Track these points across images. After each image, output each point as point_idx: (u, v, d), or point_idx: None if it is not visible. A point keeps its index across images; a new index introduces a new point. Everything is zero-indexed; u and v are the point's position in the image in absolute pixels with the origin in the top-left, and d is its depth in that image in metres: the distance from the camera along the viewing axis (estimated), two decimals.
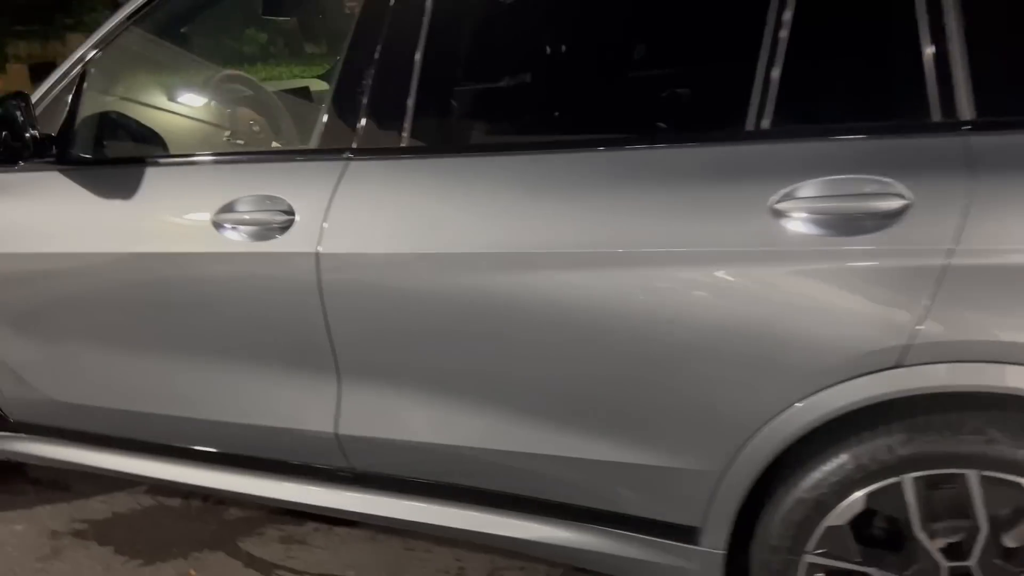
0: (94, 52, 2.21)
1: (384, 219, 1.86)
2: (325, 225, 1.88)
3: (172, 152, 2.25)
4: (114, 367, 2.22)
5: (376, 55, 1.90)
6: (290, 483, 2.13)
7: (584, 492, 1.80)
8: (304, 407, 2.03)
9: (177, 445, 2.24)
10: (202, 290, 2.04)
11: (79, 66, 2.22)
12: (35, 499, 2.86)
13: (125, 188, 2.13)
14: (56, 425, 2.43)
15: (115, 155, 2.23)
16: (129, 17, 2.17)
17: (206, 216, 2.00)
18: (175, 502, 2.81)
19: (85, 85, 2.20)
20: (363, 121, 1.91)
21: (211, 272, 2.02)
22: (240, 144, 2.51)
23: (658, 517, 1.76)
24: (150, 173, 2.12)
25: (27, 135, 2.08)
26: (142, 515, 2.76)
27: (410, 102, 1.86)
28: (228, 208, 1.99)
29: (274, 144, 2.73)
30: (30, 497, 2.87)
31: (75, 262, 2.17)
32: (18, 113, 2.06)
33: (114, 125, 2.23)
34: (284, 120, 2.70)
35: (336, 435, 2.01)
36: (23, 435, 2.49)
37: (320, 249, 1.88)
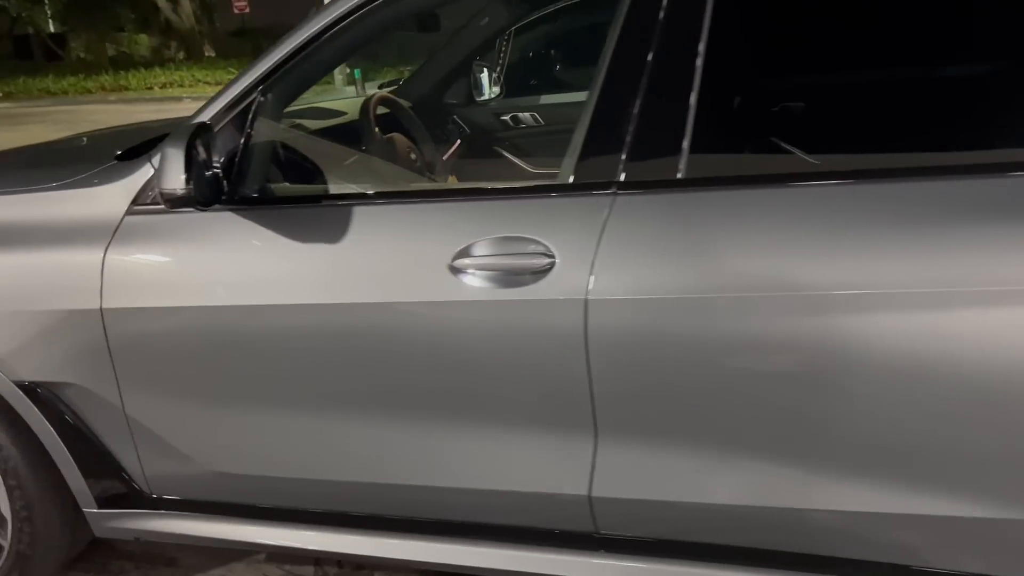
0: (266, 79, 1.94)
1: (663, 260, 1.68)
2: (593, 268, 1.69)
3: (358, 188, 2.00)
4: (312, 432, 1.96)
5: (645, 71, 1.71)
6: (521, 551, 1.92)
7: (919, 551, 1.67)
8: (552, 468, 1.83)
9: (389, 516, 2.00)
10: (433, 343, 1.81)
11: (251, 94, 1.94)
12: None
13: (321, 230, 1.88)
14: (212, 499, 2.14)
15: (301, 193, 1.97)
16: (309, 41, 1.91)
17: (441, 260, 1.78)
18: (307, 570, 2.53)
19: (257, 115, 1.92)
20: (630, 149, 1.72)
21: (447, 323, 1.79)
22: (423, 177, 2.27)
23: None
24: (352, 213, 1.87)
25: (210, 174, 1.80)
26: None
27: (688, 124, 1.68)
28: (468, 251, 1.77)
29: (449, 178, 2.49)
30: None
31: (263, 316, 1.90)
32: (202, 150, 1.78)
33: (296, 158, 1.96)
34: (427, 147, 2.46)
35: (589, 497, 1.81)
36: (163, 512, 2.18)
37: (589, 296, 1.69)
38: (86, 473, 2.15)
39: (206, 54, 26.72)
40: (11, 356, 2.07)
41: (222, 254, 1.93)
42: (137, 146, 2.24)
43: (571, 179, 1.78)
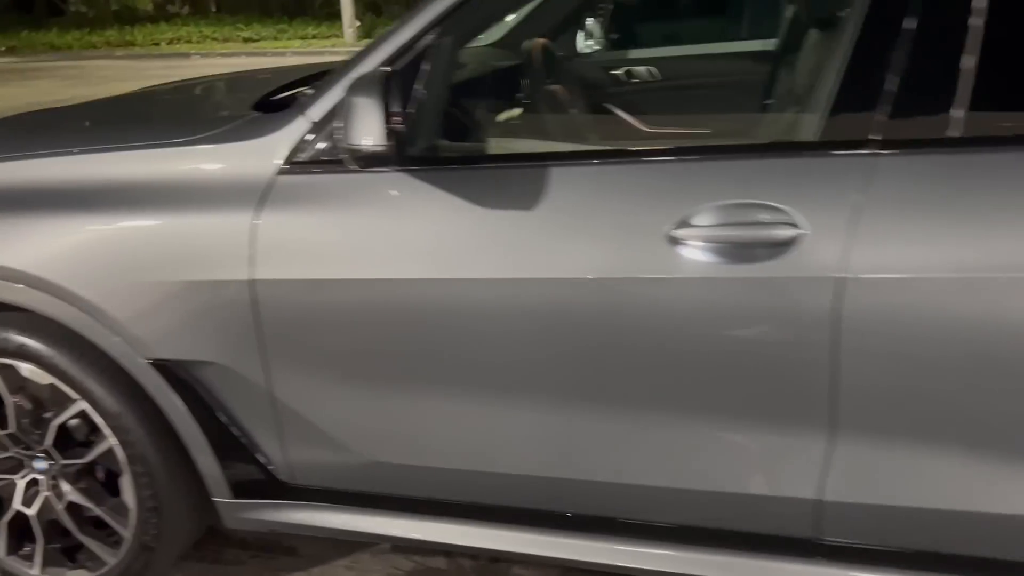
0: (445, 18, 1.69)
1: (934, 232, 1.46)
2: (850, 241, 1.46)
3: (550, 147, 1.76)
4: (488, 422, 1.76)
5: (915, 13, 1.47)
6: (710, 554, 1.73)
7: None
8: (771, 468, 1.63)
9: (550, 512, 1.81)
10: (644, 325, 1.59)
11: (424, 37, 1.70)
12: (261, 569, 2.34)
13: (511, 194, 1.65)
14: (357, 489, 1.94)
15: (485, 152, 1.74)
16: None
17: (657, 230, 1.55)
18: (439, 562, 2.34)
19: (432, 62, 1.68)
20: (894, 103, 1.48)
21: (664, 303, 1.57)
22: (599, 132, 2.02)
23: None
24: (547, 175, 1.64)
25: (406, 129, 1.56)
26: None
27: (967, 74, 1.45)
28: (690, 219, 1.54)
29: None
30: (252, 567, 2.35)
31: (441, 291, 1.68)
32: (397, 101, 1.54)
33: (473, 112, 1.72)
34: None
35: (817, 500, 1.61)
36: (302, 502, 1.98)
37: (844, 273, 1.47)
38: (221, 460, 1.95)
39: (211, 9, 26.11)
40: (145, 333, 1.85)
41: (393, 220, 1.70)
42: (273, 98, 2.00)
43: (817, 136, 1.55)
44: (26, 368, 1.97)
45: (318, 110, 1.76)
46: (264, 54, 21.98)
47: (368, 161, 1.57)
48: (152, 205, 1.84)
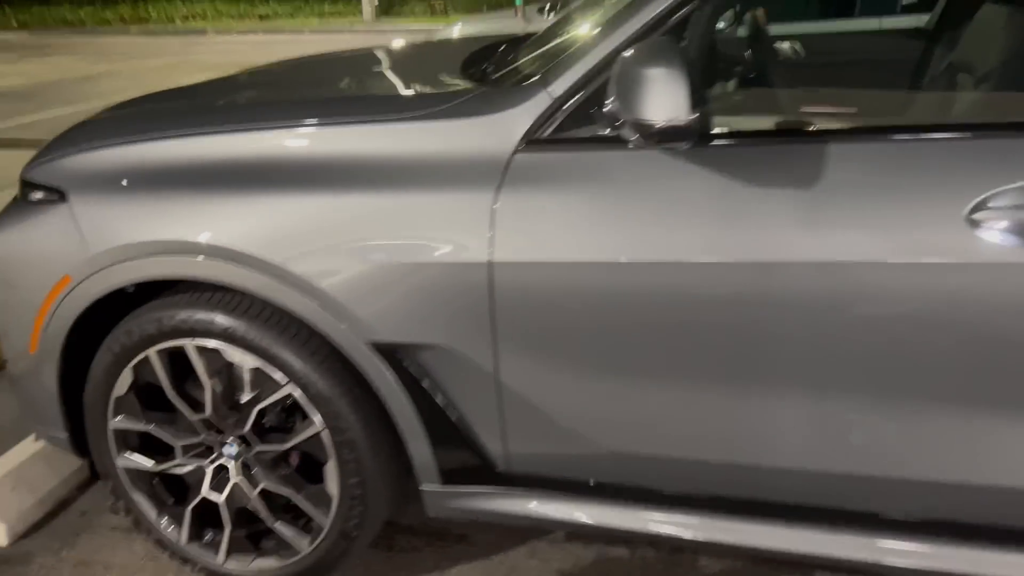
0: None
1: None
2: None
3: (819, 121, 1.68)
4: (733, 412, 1.68)
5: None
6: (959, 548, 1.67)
7: None
8: None
9: (790, 504, 1.75)
10: (938, 313, 1.52)
11: (679, 11, 1.61)
12: (438, 557, 2.28)
13: (782, 172, 1.57)
14: (573, 478, 1.87)
15: (754, 128, 1.66)
16: None
17: (955, 212, 1.48)
18: (620, 552, 2.28)
19: (694, 31, 1.60)
20: None
21: (963, 290, 1.50)
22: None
23: None
24: (823, 151, 1.57)
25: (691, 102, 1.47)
26: (591, 570, 2.22)
27: None
28: (990, 201, 1.47)
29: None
30: (428, 555, 2.29)
31: (705, 276, 1.60)
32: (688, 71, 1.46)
33: (730, 83, 1.63)
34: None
35: None
36: (512, 490, 1.92)
37: None
38: (435, 446, 1.88)
39: None
40: (370, 315, 1.77)
41: (675, 199, 1.62)
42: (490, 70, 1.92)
43: None
44: (231, 351, 1.90)
45: (562, 84, 1.68)
46: (281, 31, 21.79)
47: (664, 136, 1.49)
48: (379, 183, 1.76)
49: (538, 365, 1.76)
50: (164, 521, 2.15)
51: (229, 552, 2.12)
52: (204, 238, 1.81)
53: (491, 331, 1.74)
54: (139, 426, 2.06)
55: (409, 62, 2.70)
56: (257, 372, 1.90)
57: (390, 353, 1.81)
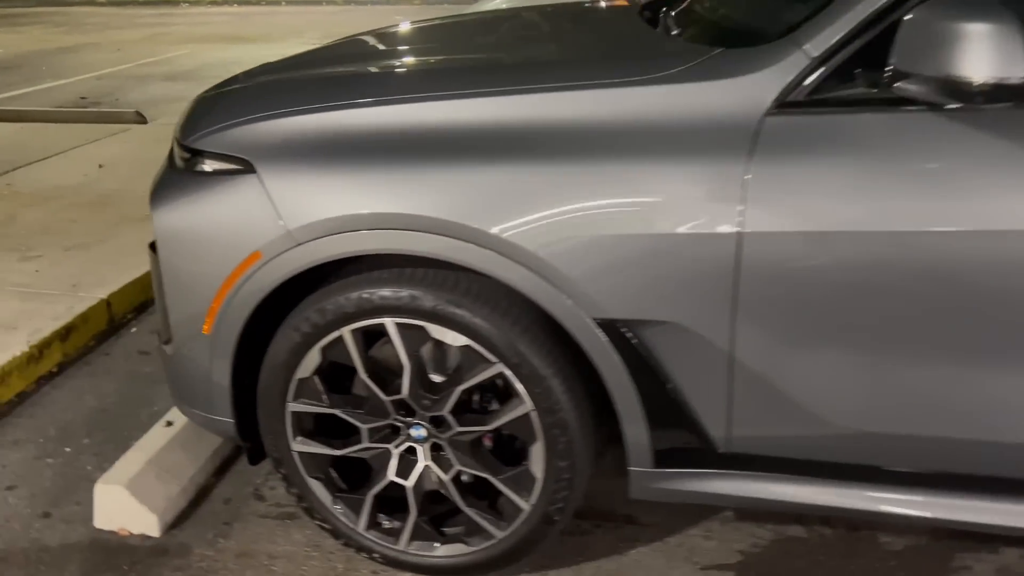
0: None
1: None
2: None
3: None
4: (996, 384, 1.63)
5: None
6: None
7: None
8: None
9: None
10: None
11: None
12: (613, 539, 2.22)
13: None
14: (801, 458, 1.81)
15: None
16: None
17: None
18: (797, 531, 2.24)
19: None
20: None
21: None
22: None
23: None
24: None
25: None
26: (771, 549, 2.17)
27: None
28: None
29: None
30: (599, 536, 2.23)
31: (978, 245, 1.54)
32: None
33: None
34: None
35: None
36: (729, 471, 1.85)
37: None
38: (652, 426, 1.80)
39: None
40: (598, 290, 1.68)
41: (926, 165, 1.55)
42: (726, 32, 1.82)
43: None
44: (437, 330, 1.80)
45: (821, 42, 1.59)
46: (256, 3, 21.29)
47: (992, 96, 1.41)
48: (613, 150, 1.67)
49: (779, 341, 1.68)
50: (340, 507, 2.05)
51: (412, 538, 2.03)
52: (421, 210, 1.71)
53: (731, 306, 1.67)
54: (321, 409, 1.96)
55: (564, 23, 2.59)
56: (466, 350, 1.81)
57: (615, 330, 1.72)
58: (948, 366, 1.64)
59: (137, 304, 3.48)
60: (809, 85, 1.61)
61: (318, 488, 2.05)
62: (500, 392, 1.91)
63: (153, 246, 2.02)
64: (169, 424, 2.43)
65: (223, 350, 1.94)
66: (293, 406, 1.97)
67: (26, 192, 4.67)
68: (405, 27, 2.89)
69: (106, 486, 2.19)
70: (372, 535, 2.06)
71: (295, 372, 1.93)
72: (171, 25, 16.64)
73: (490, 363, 1.80)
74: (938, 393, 1.67)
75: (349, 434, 2.00)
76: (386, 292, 1.80)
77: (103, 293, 3.29)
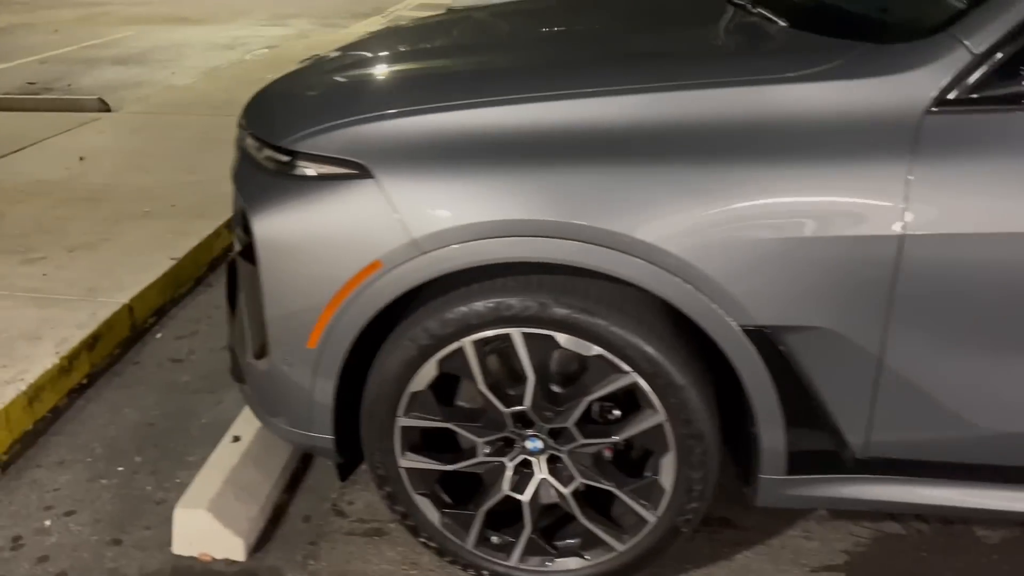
0: None
1: None
2: None
3: None
4: None
5: None
6: None
7: None
8: None
9: None
10: None
11: None
12: (713, 544, 2.17)
13: None
14: (940, 460, 1.79)
15: None
16: None
17: None
18: (894, 527, 2.23)
19: None
20: None
21: None
22: None
23: None
24: None
25: None
26: (874, 548, 2.15)
27: None
28: None
29: None
30: (700, 541, 2.18)
31: None
32: None
33: None
34: None
35: None
36: (864, 476, 1.82)
37: None
38: (789, 433, 1.76)
39: None
40: (747, 296, 1.62)
41: None
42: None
43: None
44: (567, 339, 1.72)
45: (983, 38, 1.55)
46: None
47: None
48: (763, 150, 1.60)
49: (931, 344, 1.65)
50: (447, 524, 1.96)
51: (524, 553, 1.95)
52: (562, 216, 1.62)
53: (885, 310, 1.62)
54: (434, 423, 1.86)
55: (644, 10, 2.50)
56: (597, 360, 1.73)
57: (761, 336, 1.66)
58: None
59: (156, 308, 3.30)
60: (972, 82, 1.56)
61: (425, 505, 1.95)
62: (621, 402, 1.84)
63: (245, 254, 1.89)
64: (236, 439, 2.30)
65: (329, 365, 1.83)
66: (403, 421, 1.86)
67: (7, 187, 4.40)
68: (463, 15, 2.77)
69: (187, 510, 2.05)
70: (481, 551, 1.97)
71: (407, 385, 1.82)
72: (106, 4, 15.95)
73: (623, 373, 1.73)
74: None
75: (456, 448, 1.91)
76: (514, 301, 1.71)
77: (124, 298, 3.11)
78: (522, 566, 1.96)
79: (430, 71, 2.08)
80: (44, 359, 2.69)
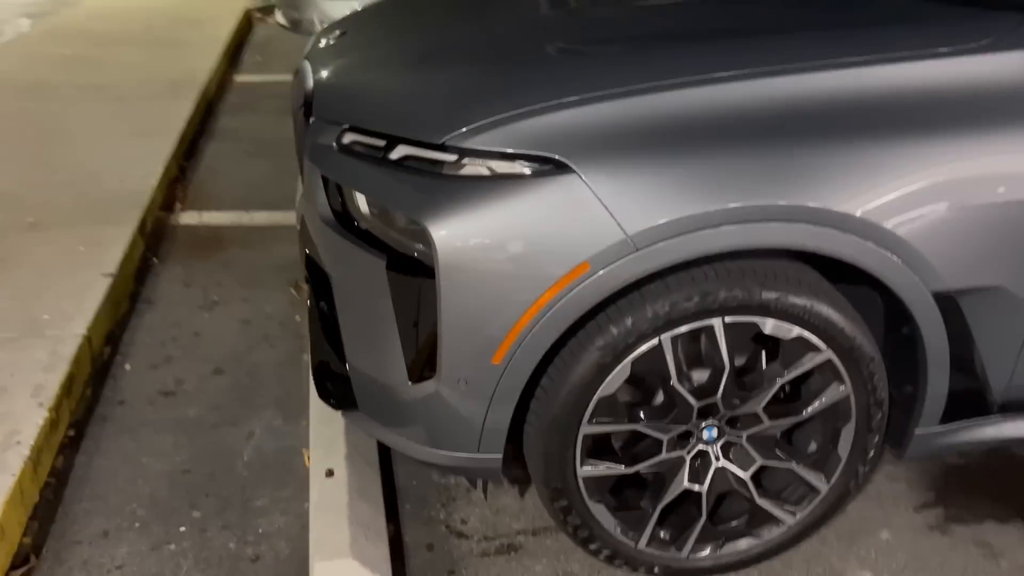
0: None
1: None
2: None
3: None
4: None
5: None
6: None
7: None
8: None
9: None
10: None
11: None
12: None
13: None
14: None
15: None
16: None
17: None
18: (953, 460, 2.43)
19: None
20: None
21: None
22: None
23: None
24: None
25: None
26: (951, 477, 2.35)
27: None
28: None
29: None
30: None
31: None
32: None
33: None
34: None
35: None
36: (1005, 416, 1.97)
37: None
38: (953, 386, 1.86)
39: None
40: (943, 263, 1.68)
41: None
42: None
43: None
44: (771, 323, 1.70)
45: None
46: None
47: None
48: (968, 120, 1.65)
49: None
50: (621, 527, 1.89)
51: (697, 542, 1.92)
52: (781, 199, 1.59)
53: None
54: (620, 427, 1.78)
55: None
56: (796, 342, 1.73)
57: (947, 300, 1.74)
58: None
59: (105, 335, 2.84)
60: None
61: (601, 513, 1.86)
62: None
63: (399, 267, 1.68)
64: (331, 474, 2.06)
65: (514, 378, 1.68)
66: (587, 429, 1.76)
67: None
68: None
69: (329, 563, 1.81)
70: (652, 549, 1.92)
71: (596, 391, 1.72)
72: None
73: (818, 351, 1.74)
74: None
75: (631, 449, 1.84)
76: (720, 291, 1.66)
77: (79, 328, 2.64)
78: (694, 555, 1.94)
79: (585, 45, 1.93)
80: (29, 413, 2.23)
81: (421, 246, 1.64)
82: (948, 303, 1.74)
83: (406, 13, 2.49)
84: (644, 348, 1.69)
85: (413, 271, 1.67)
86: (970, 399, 1.91)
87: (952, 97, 1.66)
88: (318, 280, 1.94)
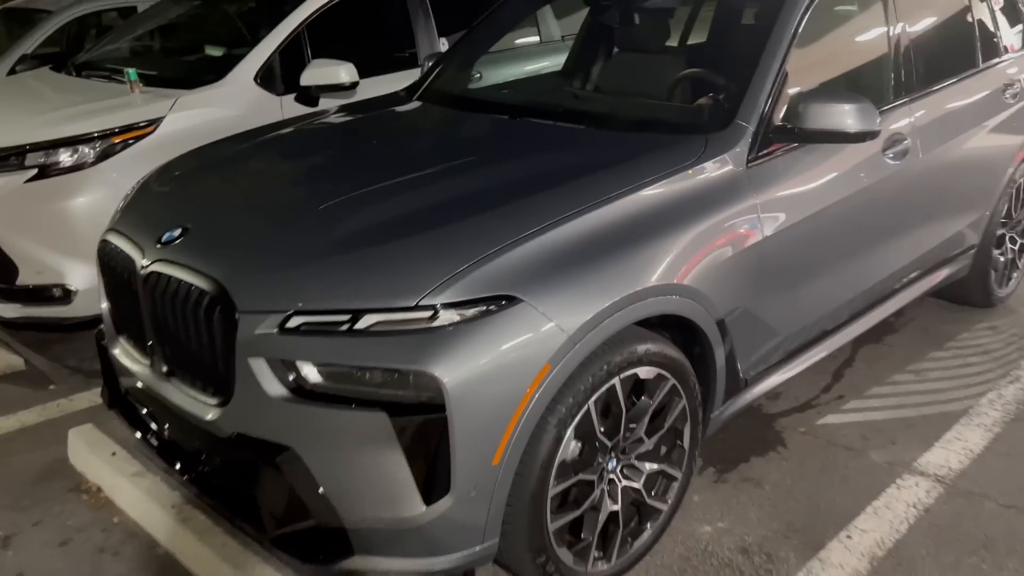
0: None
1: None
2: None
3: None
4: None
5: None
6: None
7: None
8: None
9: None
10: None
11: None
12: None
13: None
14: None
15: None
16: None
17: None
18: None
19: None
20: None
21: None
22: None
23: None
24: None
25: None
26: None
27: None
28: None
29: None
30: None
31: None
32: None
33: None
34: None
35: None
36: None
37: None
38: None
39: None
40: (717, 297, 2.54)
41: None
42: None
43: None
44: (644, 370, 2.39)
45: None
46: None
47: None
48: None
49: None
50: (574, 560, 2.39)
51: (619, 550, 2.52)
52: (649, 282, 2.29)
53: None
54: (571, 480, 2.30)
55: None
56: (656, 378, 2.43)
57: (719, 324, 2.61)
58: None
59: None
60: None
61: (564, 555, 2.35)
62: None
63: (400, 411, 2.00)
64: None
65: (508, 468, 2.11)
66: (553, 490, 2.25)
67: None
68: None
69: None
70: (596, 568, 2.46)
71: (555, 458, 2.22)
72: None
73: (668, 380, 2.47)
74: None
75: (571, 494, 2.37)
76: (616, 357, 2.29)
77: None
78: (618, 560, 2.52)
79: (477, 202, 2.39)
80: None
81: (412, 391, 1.99)
82: (721, 325, 2.58)
83: (237, 176, 2.66)
84: (580, 415, 2.23)
85: (412, 412, 2.00)
86: (732, 383, 2.79)
87: (688, 197, 2.50)
88: (262, 456, 2.12)
